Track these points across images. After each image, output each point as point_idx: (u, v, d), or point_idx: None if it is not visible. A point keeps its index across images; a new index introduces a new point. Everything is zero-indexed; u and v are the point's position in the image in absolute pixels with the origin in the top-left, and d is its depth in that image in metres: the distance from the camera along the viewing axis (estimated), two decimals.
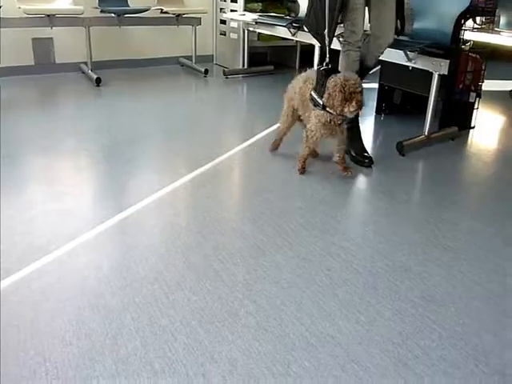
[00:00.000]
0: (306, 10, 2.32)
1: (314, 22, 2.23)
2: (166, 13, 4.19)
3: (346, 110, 1.96)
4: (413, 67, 2.60)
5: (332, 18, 2.08)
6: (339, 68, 2.24)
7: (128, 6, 4.12)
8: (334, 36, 2.15)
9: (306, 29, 2.43)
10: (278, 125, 2.43)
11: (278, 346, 1.17)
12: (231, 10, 4.38)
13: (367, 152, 2.37)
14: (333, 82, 1.96)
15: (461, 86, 2.75)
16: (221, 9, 4.58)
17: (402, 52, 2.57)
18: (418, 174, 2.40)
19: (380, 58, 2.36)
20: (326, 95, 1.98)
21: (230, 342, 1.18)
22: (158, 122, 3.02)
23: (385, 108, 3.27)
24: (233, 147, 2.56)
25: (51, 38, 4.06)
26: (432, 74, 2.53)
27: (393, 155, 2.49)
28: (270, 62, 4.81)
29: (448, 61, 2.44)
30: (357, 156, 2.35)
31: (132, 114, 3.17)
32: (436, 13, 2.67)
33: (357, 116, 2.25)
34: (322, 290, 1.40)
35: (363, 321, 1.27)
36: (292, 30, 3.59)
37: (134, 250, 1.57)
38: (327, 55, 2.14)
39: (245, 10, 4.28)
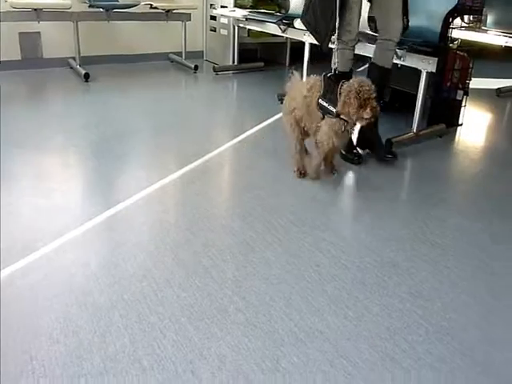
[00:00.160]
0: (295, 7, 2.31)
1: (312, 20, 2.21)
2: (155, 8, 4.16)
3: (360, 116, 1.87)
4: (401, 65, 2.62)
5: (332, 16, 2.08)
6: (332, 65, 2.24)
7: (117, 0, 4.08)
8: (332, 35, 2.15)
9: (304, 26, 2.38)
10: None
11: (267, 342, 1.18)
12: (221, 6, 4.36)
13: (356, 149, 2.38)
14: (347, 87, 1.86)
15: (448, 84, 2.78)
16: (211, 5, 4.55)
17: None
18: (406, 171, 2.42)
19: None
20: (340, 102, 1.87)
21: (219, 338, 1.19)
22: (147, 118, 3.00)
23: None
24: (223, 143, 2.56)
25: (38, 33, 4.00)
26: (420, 71, 2.55)
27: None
28: (260, 58, 4.79)
29: (436, 59, 2.46)
30: (346, 154, 2.36)
31: (121, 109, 3.15)
32: (424, 11, 2.69)
33: None
34: (311, 285, 1.40)
35: (351, 316, 1.28)
36: (282, 26, 3.58)
37: (122, 247, 1.56)
38: (335, 60, 2.12)
39: (235, 6, 4.26)
